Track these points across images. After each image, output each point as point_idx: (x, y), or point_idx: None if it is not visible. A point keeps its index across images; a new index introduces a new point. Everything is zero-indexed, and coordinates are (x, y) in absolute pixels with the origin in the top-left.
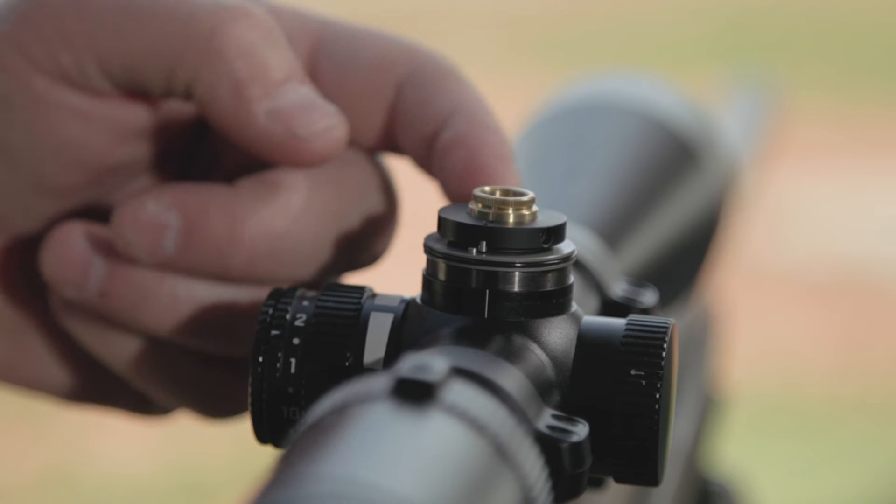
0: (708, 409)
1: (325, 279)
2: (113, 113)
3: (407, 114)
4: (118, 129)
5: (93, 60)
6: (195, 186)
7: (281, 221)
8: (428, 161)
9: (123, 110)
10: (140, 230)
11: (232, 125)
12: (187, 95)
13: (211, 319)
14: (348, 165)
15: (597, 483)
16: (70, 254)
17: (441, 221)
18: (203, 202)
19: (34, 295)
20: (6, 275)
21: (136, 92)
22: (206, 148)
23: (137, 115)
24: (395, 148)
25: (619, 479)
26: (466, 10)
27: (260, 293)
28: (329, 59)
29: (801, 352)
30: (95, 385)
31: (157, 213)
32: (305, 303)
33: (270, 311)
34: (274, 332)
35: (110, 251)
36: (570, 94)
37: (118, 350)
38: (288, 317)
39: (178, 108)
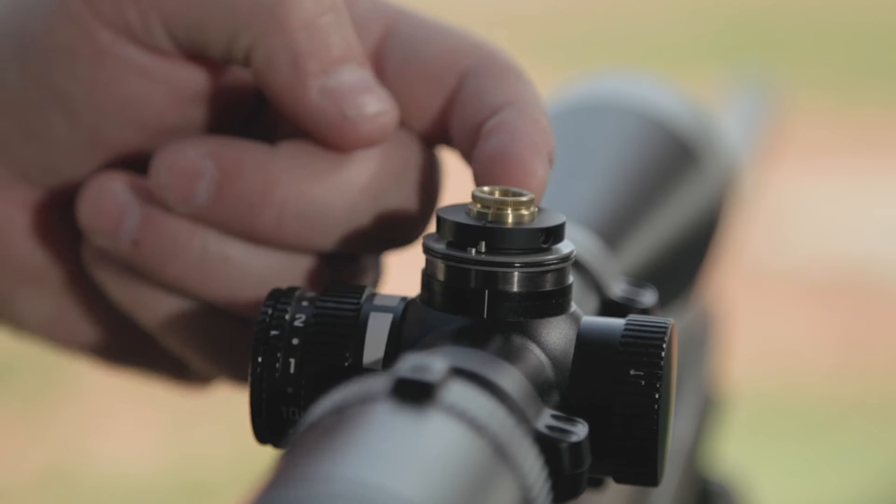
0: (708, 409)
1: (357, 254)
2: (174, 73)
3: (463, 103)
4: (178, 89)
5: (158, 18)
6: (237, 141)
7: (315, 188)
8: (472, 150)
9: (184, 71)
10: (176, 175)
11: (285, 97)
12: (246, 62)
13: (240, 280)
14: (396, 145)
15: (596, 483)
16: (106, 202)
17: (440, 221)
18: (240, 156)
19: (77, 250)
20: (50, 229)
21: (198, 54)
22: (261, 118)
23: (197, 78)
24: (447, 138)
25: (618, 479)
26: (466, 10)
27: (291, 262)
28: (398, 43)
29: (801, 352)
30: (134, 348)
31: (194, 159)
32: (305, 303)
33: (270, 312)
34: (273, 333)
35: (146, 200)
36: (570, 94)
37: (149, 306)
38: (287, 317)
39: (238, 76)
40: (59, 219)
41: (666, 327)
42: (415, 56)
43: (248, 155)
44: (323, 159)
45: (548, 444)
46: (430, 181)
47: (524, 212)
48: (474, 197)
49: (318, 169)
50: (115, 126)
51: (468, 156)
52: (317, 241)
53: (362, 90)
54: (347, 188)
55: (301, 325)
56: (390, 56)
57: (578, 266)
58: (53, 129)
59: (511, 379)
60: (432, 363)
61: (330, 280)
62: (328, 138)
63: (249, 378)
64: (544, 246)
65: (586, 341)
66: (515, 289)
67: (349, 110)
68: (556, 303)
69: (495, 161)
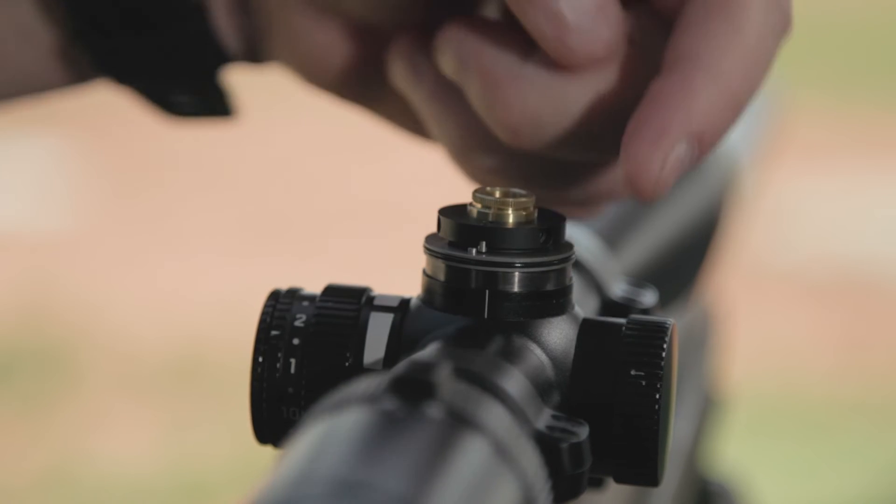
0: (708, 409)
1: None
2: None
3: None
4: None
5: None
6: (490, 46)
7: (549, 107)
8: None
9: None
10: (444, 50)
11: (511, 4)
12: None
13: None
14: (631, 47)
15: (597, 483)
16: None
17: (441, 221)
18: (492, 63)
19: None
20: (359, 50)
21: None
22: None
23: None
24: None
25: (618, 480)
26: None
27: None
28: None
29: (801, 352)
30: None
31: (452, 58)
32: (305, 303)
33: (270, 311)
34: (274, 333)
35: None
36: None
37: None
38: (288, 317)
39: None
40: (365, 41)
41: (666, 327)
42: None
43: (498, 65)
44: (559, 76)
45: (548, 445)
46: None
47: (525, 212)
48: (475, 197)
49: (552, 84)
50: None
51: None
52: (549, 148)
53: (588, 13)
54: (587, 101)
55: (301, 325)
56: None
57: (579, 266)
58: None
59: (511, 379)
60: (433, 363)
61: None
62: (549, 54)
63: (250, 378)
64: (545, 246)
65: (587, 341)
66: (516, 289)
67: (569, 38)
68: (556, 303)
69: (624, 145)
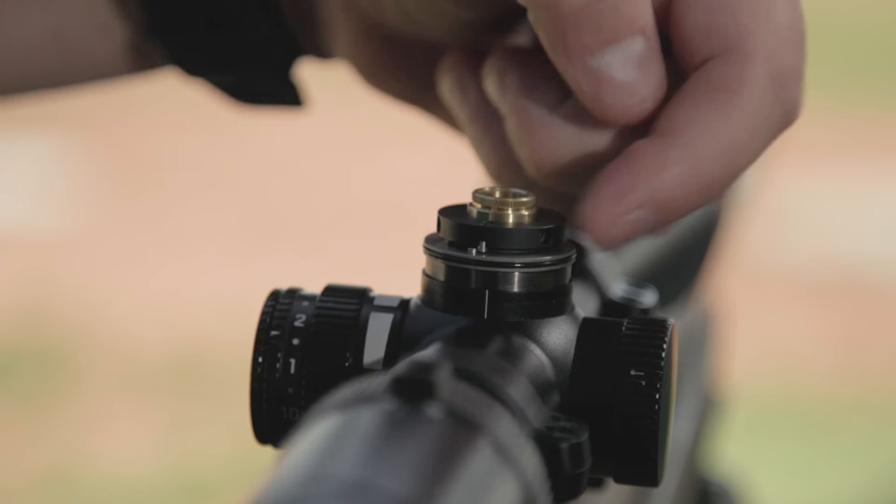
0: (708, 409)
1: None
2: None
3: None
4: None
5: None
6: (527, 84)
7: (575, 152)
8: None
9: None
10: (488, 76)
11: (552, 57)
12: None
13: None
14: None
15: (596, 483)
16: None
17: (441, 221)
18: (528, 103)
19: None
20: (402, 69)
21: None
22: None
23: None
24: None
25: (618, 480)
26: None
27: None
28: None
29: (801, 352)
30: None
31: (492, 83)
32: (305, 303)
33: (270, 311)
34: (273, 333)
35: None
36: None
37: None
38: (288, 317)
39: None
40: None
41: (666, 327)
42: None
43: (534, 112)
44: (589, 128)
45: (548, 445)
46: None
47: (525, 212)
48: (475, 197)
49: (588, 131)
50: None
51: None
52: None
53: (627, 72)
54: (607, 147)
55: (301, 325)
56: None
57: (579, 266)
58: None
59: (511, 379)
60: (432, 363)
61: None
62: (585, 106)
63: (250, 378)
64: (545, 246)
65: (586, 341)
66: (516, 289)
67: (606, 96)
68: (556, 303)
69: (588, 191)
